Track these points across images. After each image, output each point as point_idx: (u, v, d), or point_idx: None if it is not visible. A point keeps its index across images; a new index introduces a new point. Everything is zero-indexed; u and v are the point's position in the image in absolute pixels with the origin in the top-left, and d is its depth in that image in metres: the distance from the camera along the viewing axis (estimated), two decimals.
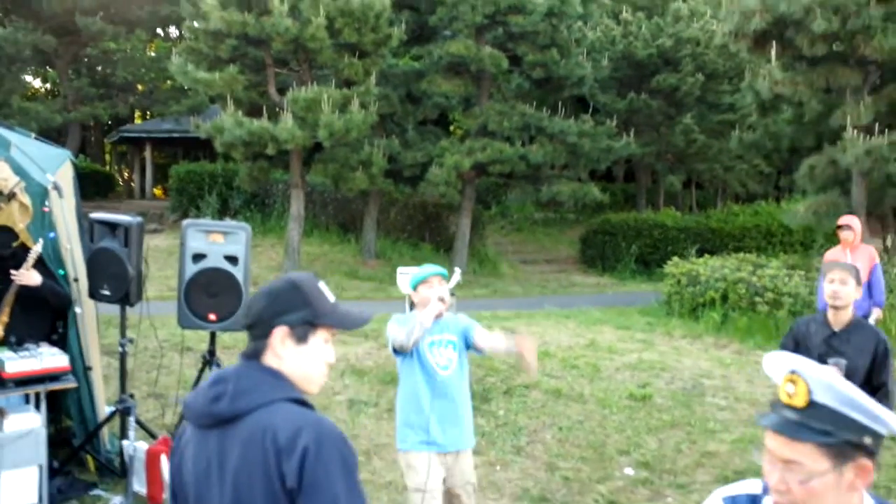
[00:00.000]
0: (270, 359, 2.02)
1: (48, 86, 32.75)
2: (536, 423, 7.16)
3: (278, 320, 2.03)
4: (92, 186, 27.15)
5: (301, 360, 2.04)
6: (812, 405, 1.70)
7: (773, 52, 12.61)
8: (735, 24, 12.97)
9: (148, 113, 30.19)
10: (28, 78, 28.71)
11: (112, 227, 5.28)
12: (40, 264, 5.15)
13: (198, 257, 5.40)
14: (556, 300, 14.57)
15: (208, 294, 5.46)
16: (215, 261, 5.43)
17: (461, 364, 4.54)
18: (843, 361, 4.20)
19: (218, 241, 5.46)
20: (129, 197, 29.84)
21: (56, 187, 5.26)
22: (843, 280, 4.38)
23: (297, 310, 2.05)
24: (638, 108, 20.88)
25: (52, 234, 5.28)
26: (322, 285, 2.15)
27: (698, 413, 7.54)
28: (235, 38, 15.04)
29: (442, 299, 4.38)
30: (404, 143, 17.35)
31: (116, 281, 5.23)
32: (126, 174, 34.75)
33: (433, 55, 17.08)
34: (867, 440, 1.68)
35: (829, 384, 1.70)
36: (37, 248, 5.00)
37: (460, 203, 17.94)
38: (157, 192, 29.98)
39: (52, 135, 23.76)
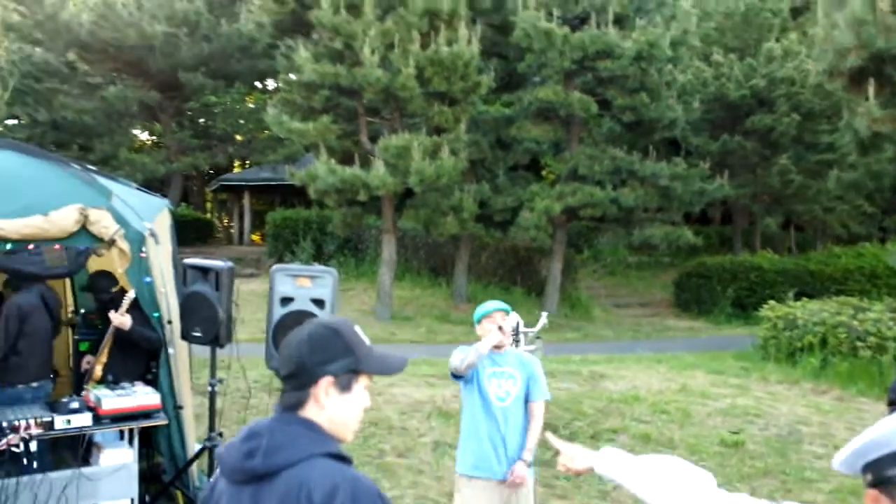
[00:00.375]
0: (311, 410, 1.97)
1: (153, 138, 34.15)
2: None
3: (323, 369, 1.97)
4: (193, 233, 28.14)
5: (343, 409, 1.99)
6: None
7: (871, 90, 12.28)
8: (829, 63, 12.71)
9: (247, 162, 31.17)
10: (135, 131, 30.05)
11: (204, 271, 5.47)
12: (136, 308, 5.39)
13: (285, 300, 5.52)
14: (649, 344, 14.35)
15: None
16: (302, 304, 5.53)
17: (520, 398, 4.64)
18: None
19: (305, 285, 5.58)
20: (229, 243, 30.77)
21: (152, 234, 5.49)
22: None
23: (340, 358, 1.99)
24: (732, 149, 20.57)
25: (148, 279, 5.50)
26: (358, 329, 2.10)
27: (794, 461, 7.30)
28: (328, 89, 15.49)
29: (501, 329, 4.58)
30: (495, 188, 17.46)
31: (207, 323, 5.40)
32: (226, 221, 35.84)
33: (523, 101, 17.22)
34: None
35: None
36: (130, 295, 5.26)
37: (551, 247, 17.90)
38: (255, 237, 30.81)
39: (155, 184, 24.76)
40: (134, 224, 5.45)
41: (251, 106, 27.61)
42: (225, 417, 7.63)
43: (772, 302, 12.97)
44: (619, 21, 16.32)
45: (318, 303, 5.62)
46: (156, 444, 5.94)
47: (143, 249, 5.47)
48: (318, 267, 5.82)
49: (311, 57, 14.95)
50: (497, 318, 4.67)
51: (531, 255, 19.98)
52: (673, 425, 8.09)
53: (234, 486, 1.97)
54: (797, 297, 14.32)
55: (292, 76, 16.67)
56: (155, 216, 6.01)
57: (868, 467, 1.59)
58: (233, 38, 21.04)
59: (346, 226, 17.69)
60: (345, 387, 1.99)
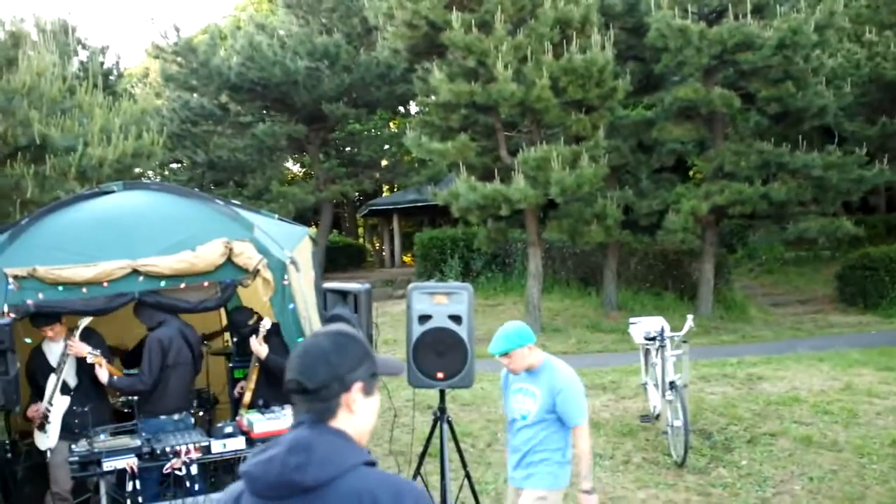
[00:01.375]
0: (342, 418, 1.99)
1: (303, 170, 35.45)
2: (784, 474, 6.78)
3: (353, 376, 2.00)
4: (345, 258, 29.03)
5: (369, 413, 2.05)
6: None
7: None
8: None
9: (394, 186, 31.89)
10: (286, 164, 31.30)
11: (343, 294, 5.67)
12: (276, 336, 5.66)
13: (423, 318, 5.63)
14: (811, 342, 13.75)
15: (435, 353, 5.68)
16: (440, 321, 5.64)
17: (547, 419, 4.75)
18: None
19: (442, 302, 5.68)
20: (381, 266, 31.54)
21: (293, 262, 5.72)
22: None
23: (364, 362, 2.03)
24: (892, 132, 19.46)
25: (291, 306, 5.73)
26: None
27: None
28: (465, 108, 15.68)
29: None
30: (639, 193, 17.18)
31: None
32: (377, 244, 36.74)
33: (663, 102, 16.90)
34: None
35: None
36: (265, 324, 5.53)
37: (701, 248, 17.44)
38: (406, 259, 31.44)
39: (307, 214, 25.73)
40: (275, 253, 5.70)
41: (394, 131, 28.27)
42: (375, 436, 7.84)
43: None
44: (759, 10, 15.78)
45: (456, 319, 5.71)
46: None
47: (286, 277, 5.71)
48: (453, 283, 5.91)
49: (445, 77, 15.18)
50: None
51: (681, 258, 19.52)
52: (837, 426, 7.73)
53: (269, 501, 1.94)
54: None
55: (430, 98, 16.97)
56: (296, 245, 6.26)
57: None
58: (371, 66, 21.59)
59: (492, 241, 17.81)
60: (370, 391, 2.05)
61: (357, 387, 1.99)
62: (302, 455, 1.91)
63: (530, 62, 14.58)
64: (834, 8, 16.06)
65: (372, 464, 1.99)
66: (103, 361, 5.62)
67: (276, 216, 7.33)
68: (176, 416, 5.86)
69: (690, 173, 24.61)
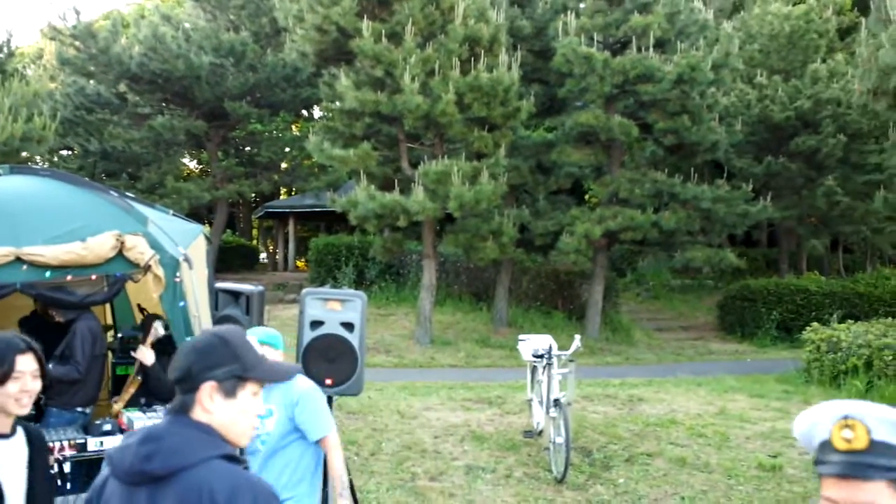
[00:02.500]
0: (199, 413, 2.03)
1: (201, 166, 34.73)
2: (658, 493, 6.99)
3: (207, 375, 2.03)
4: (238, 259, 28.58)
5: (230, 414, 2.05)
6: (873, 444, 1.70)
7: None
8: (874, 83, 12.63)
9: (293, 189, 31.57)
10: (183, 160, 30.62)
11: (235, 295, 5.59)
12: (168, 345, 5.57)
13: (315, 324, 5.60)
14: (691, 367, 14.24)
15: (326, 359, 5.65)
16: (332, 327, 5.61)
17: (287, 436, 4.11)
18: None
19: (335, 308, 5.66)
20: (274, 269, 31.14)
21: (186, 259, 5.61)
22: None
23: (225, 364, 2.05)
24: (776, 171, 20.39)
25: (182, 303, 5.61)
26: (251, 338, 2.20)
27: None
28: (369, 117, 15.66)
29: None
30: (535, 213, 17.48)
31: None
32: (271, 247, 36.29)
33: (565, 126, 17.25)
34: None
35: (887, 420, 1.70)
36: (157, 329, 5.41)
37: (592, 270, 17.86)
38: (300, 264, 31.13)
39: (202, 212, 25.24)
40: (169, 249, 5.57)
41: (296, 134, 28.00)
42: None
43: (815, 324, 12.80)
44: (661, 45, 16.34)
45: (348, 326, 5.69)
46: None
47: (178, 274, 5.59)
48: (347, 290, 5.90)
49: (352, 85, 15.14)
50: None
51: (572, 279, 19.94)
52: (710, 448, 8.02)
53: (127, 487, 2.00)
54: (842, 320, 14.10)
55: (335, 104, 16.89)
56: (190, 242, 6.13)
57: None
58: (277, 67, 21.37)
59: (387, 251, 17.81)
60: (229, 392, 2.05)
61: (210, 385, 2.03)
62: (151, 444, 1.97)
63: (437, 76, 14.68)
64: (730, 49, 16.75)
65: (232, 458, 2.00)
66: None
67: (171, 212, 7.18)
68: (88, 410, 5.70)
69: (586, 197, 25.17)
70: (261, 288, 5.67)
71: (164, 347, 5.76)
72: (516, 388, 10.89)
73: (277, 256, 32.56)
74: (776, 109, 20.30)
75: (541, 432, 8.15)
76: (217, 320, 5.65)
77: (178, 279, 5.56)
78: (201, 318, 5.77)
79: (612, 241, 17.53)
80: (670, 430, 8.53)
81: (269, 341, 4.25)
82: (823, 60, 21.65)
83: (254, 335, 4.13)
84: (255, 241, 37.35)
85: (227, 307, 5.60)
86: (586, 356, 15.83)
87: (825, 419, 1.79)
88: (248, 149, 26.56)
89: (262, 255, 37.09)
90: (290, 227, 29.74)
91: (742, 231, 20.36)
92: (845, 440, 1.73)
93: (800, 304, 19.46)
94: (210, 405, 2.03)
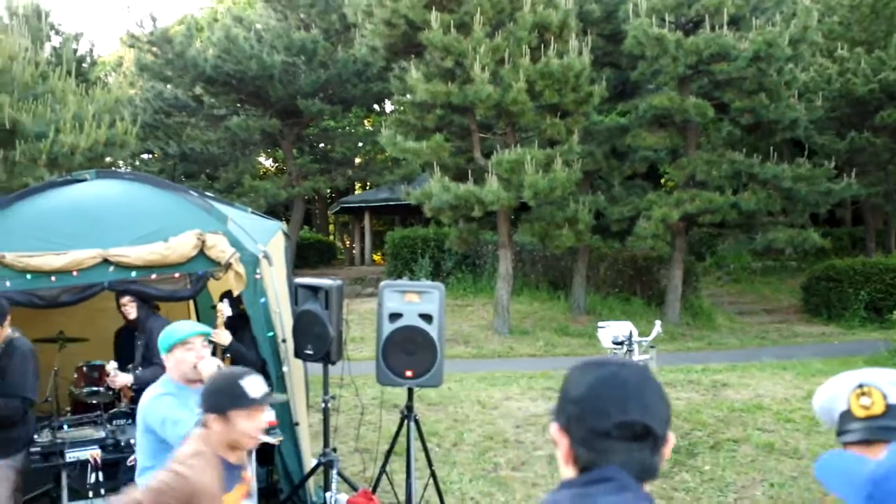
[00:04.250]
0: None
1: (276, 165, 35.25)
2: (745, 479, 6.86)
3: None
4: (315, 255, 28.93)
5: None
6: (889, 408, 1.82)
7: None
8: None
9: (367, 184, 31.83)
10: (260, 159, 31.13)
11: (314, 290, 5.65)
12: (245, 330, 5.67)
13: (394, 316, 5.65)
14: (775, 352, 13.93)
15: (405, 351, 5.69)
16: (411, 319, 5.65)
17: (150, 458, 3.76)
18: None
19: (413, 300, 5.70)
20: (351, 263, 31.47)
21: (266, 256, 5.70)
22: None
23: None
24: (860, 146, 19.75)
25: (263, 300, 5.71)
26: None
27: None
28: (441, 108, 15.67)
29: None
30: (610, 198, 17.29)
31: (318, 341, 5.57)
32: (348, 242, 36.66)
33: (638, 109, 17.01)
34: None
35: None
36: (222, 308, 5.49)
37: (671, 255, 17.59)
38: (377, 257, 31.38)
39: (279, 209, 25.63)
40: (248, 247, 5.68)
41: (368, 128, 28.20)
42: (342, 433, 7.84)
43: None
44: (735, 22, 15.94)
45: (427, 318, 5.72)
46: (274, 461, 6.14)
47: (258, 271, 5.69)
48: (425, 282, 5.93)
49: (422, 77, 15.18)
50: (196, 345, 3.96)
51: (650, 265, 19.68)
52: (798, 434, 7.83)
53: None
54: None
55: (406, 97, 16.96)
56: (269, 239, 6.24)
57: None
58: (348, 63, 21.51)
59: (463, 242, 17.83)
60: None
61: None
62: None
63: (507, 65, 14.61)
64: (808, 23, 16.26)
65: None
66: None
67: (250, 210, 7.31)
68: None
69: (662, 181, 24.80)
70: (339, 282, 5.73)
71: (239, 324, 5.86)
72: None
73: (354, 251, 32.88)
74: (859, 83, 19.65)
75: None
76: (297, 315, 5.73)
77: (258, 276, 5.67)
78: (282, 314, 5.87)
79: (690, 224, 17.24)
80: (756, 415, 8.36)
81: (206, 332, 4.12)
82: None
83: (184, 329, 4.03)
84: (331, 237, 37.78)
85: (306, 302, 5.67)
86: (667, 342, 15.61)
87: (842, 390, 1.89)
88: (321, 145, 26.84)
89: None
90: (366, 222, 30.00)
91: (825, 210, 19.76)
92: (863, 407, 1.84)
93: (889, 283, 18.82)
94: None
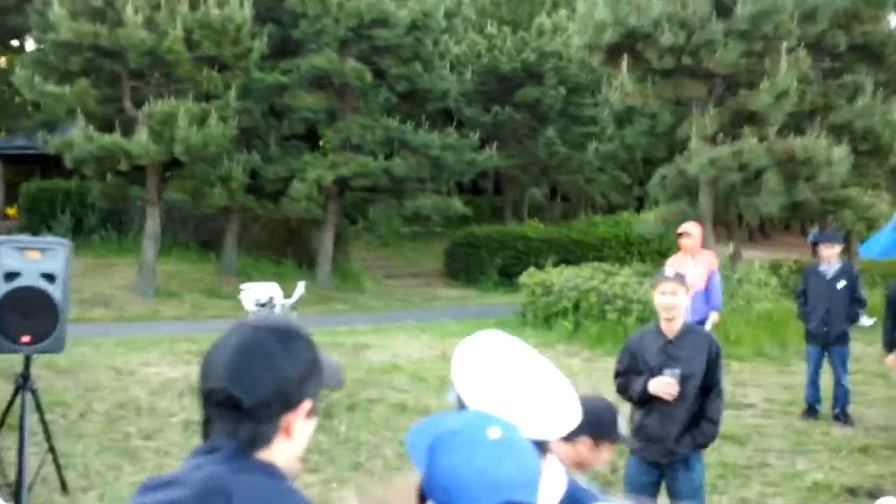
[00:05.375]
0: (277, 446, 1.50)
1: None
2: (378, 439, 7.05)
3: (304, 391, 1.52)
4: None
5: (303, 440, 1.56)
6: None
7: (625, 65, 12.97)
8: (589, 37, 13.35)
9: (4, 130, 28.82)
10: None
11: None
12: None
13: (11, 276, 5.09)
14: (417, 314, 14.59)
15: (22, 314, 5.16)
16: (31, 279, 5.14)
17: None
18: (677, 371, 4.37)
19: (34, 258, 5.18)
20: None
21: None
22: (674, 291, 4.46)
23: (314, 371, 1.54)
24: (503, 121, 21.19)
25: None
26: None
27: None
28: (88, 51, 14.51)
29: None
30: (266, 158, 17.05)
31: None
32: None
33: (301, 69, 16.87)
34: None
35: None
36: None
37: (324, 218, 17.73)
38: (11, 211, 28.60)
39: None
40: None
41: (3, 68, 25.45)
42: None
43: (531, 269, 13.48)
44: None
45: (49, 277, 5.23)
46: None
47: None
48: (49, 238, 5.43)
49: (67, 14, 13.89)
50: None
51: (303, 227, 19.65)
52: (430, 392, 8.20)
53: None
54: (557, 265, 14.94)
55: (48, 35, 15.44)
56: None
57: None
58: None
59: (108, 198, 16.73)
60: (312, 410, 1.56)
61: (306, 405, 1.52)
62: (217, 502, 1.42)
63: (164, 10, 13.82)
64: None
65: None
66: None
67: None
68: None
69: (321, 143, 24.96)
70: None
71: None
72: None
73: None
74: (504, 60, 21.04)
75: None
76: None
77: None
78: None
79: (343, 188, 17.51)
80: (393, 375, 8.66)
81: None
82: (549, 15, 22.67)
83: None
84: None
85: None
86: (316, 304, 15.76)
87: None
88: None
89: None
90: None
91: (469, 179, 21.07)
92: None
93: (520, 250, 20.43)
94: (295, 430, 1.52)
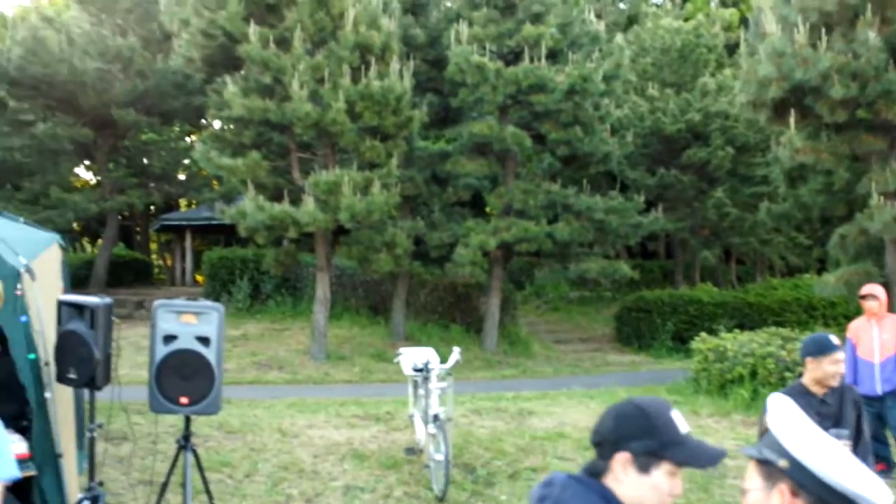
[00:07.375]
0: (610, 480, 1.98)
1: (95, 177, 33.50)
2: None
3: (622, 445, 1.97)
4: (131, 273, 27.57)
5: (639, 489, 1.96)
6: None
7: (792, 121, 12.37)
8: (753, 94, 12.80)
9: (193, 202, 30.71)
10: (77, 170, 29.42)
11: (79, 309, 5.17)
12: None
13: (169, 339, 5.24)
14: (587, 380, 14.20)
15: (180, 377, 5.28)
16: (187, 342, 5.26)
17: None
18: (844, 432, 4.21)
19: (190, 321, 5.31)
20: (172, 283, 30.19)
21: (28, 270, 5.18)
22: (844, 360, 4.56)
23: (641, 437, 1.96)
24: (669, 182, 20.69)
25: (23, 318, 5.18)
26: (675, 414, 2.03)
27: (717, 496, 7.14)
28: (258, 125, 15.24)
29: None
30: (430, 224, 17.28)
31: (83, 364, 5.08)
32: (169, 261, 35.23)
33: (462, 136, 17.11)
34: None
35: None
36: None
37: (489, 283, 17.73)
38: (199, 278, 30.24)
39: (93, 224, 24.27)
40: (9, 260, 5.14)
41: (191, 144, 27.22)
42: (123, 462, 7.29)
43: (703, 334, 12.88)
44: (553, 55, 16.34)
45: (204, 340, 5.34)
46: (31, 497, 5.57)
47: (19, 287, 5.15)
48: (204, 303, 5.54)
49: (239, 91, 14.68)
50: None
51: (469, 292, 19.78)
52: None
53: None
54: (732, 330, 14.25)
55: (223, 112, 16.37)
56: (38, 252, 5.71)
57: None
58: (167, 74, 20.70)
59: (280, 264, 17.35)
60: (642, 468, 1.96)
61: (623, 457, 1.96)
62: (546, 489, 2.01)
63: (328, 84, 14.36)
64: (620, 61, 16.91)
65: None
66: None
67: (22, 220, 6.70)
68: None
69: (487, 209, 25.14)
70: (108, 300, 5.26)
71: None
72: (406, 404, 10.61)
73: (175, 271, 31.58)
74: (668, 121, 20.62)
75: (422, 449, 7.89)
76: (60, 336, 5.22)
77: (18, 292, 5.14)
78: (45, 334, 5.35)
79: (508, 253, 17.45)
80: (557, 443, 8.38)
81: None
82: (712, 74, 22.17)
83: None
84: (154, 256, 36.21)
85: (70, 321, 5.17)
86: (483, 369, 15.68)
87: None
88: (141, 159, 25.67)
89: (157, 270, 35.95)
90: (188, 241, 28.89)
91: (636, 242, 20.60)
92: None
93: (693, 314, 19.73)
94: (622, 476, 1.97)
